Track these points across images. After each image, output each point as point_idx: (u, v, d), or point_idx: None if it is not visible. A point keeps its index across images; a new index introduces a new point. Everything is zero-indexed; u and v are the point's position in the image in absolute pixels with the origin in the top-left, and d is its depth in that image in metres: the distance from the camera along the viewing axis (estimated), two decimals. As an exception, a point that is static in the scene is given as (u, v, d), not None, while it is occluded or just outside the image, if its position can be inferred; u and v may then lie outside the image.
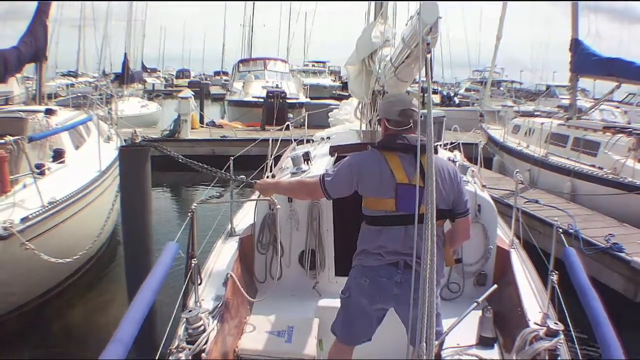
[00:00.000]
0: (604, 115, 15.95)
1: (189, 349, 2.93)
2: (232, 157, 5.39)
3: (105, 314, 6.58)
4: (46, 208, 6.04)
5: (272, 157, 6.74)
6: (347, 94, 42.44)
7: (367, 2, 6.73)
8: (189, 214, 3.66)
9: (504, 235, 4.93)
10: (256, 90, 23.00)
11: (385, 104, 3.26)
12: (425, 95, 2.38)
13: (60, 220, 6.34)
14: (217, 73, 65.98)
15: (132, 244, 5.12)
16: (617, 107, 16.53)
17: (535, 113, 17.79)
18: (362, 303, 3.09)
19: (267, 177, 5.31)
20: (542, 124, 13.29)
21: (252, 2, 49.39)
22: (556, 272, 3.21)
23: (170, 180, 14.57)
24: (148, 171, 5.00)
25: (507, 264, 4.33)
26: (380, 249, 3.00)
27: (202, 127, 19.75)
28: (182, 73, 62.29)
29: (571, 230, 8.09)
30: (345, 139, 5.53)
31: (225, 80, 56.22)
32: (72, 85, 25.49)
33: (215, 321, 3.29)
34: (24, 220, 5.66)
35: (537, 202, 10.10)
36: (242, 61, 29.12)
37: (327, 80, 50.36)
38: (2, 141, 5.89)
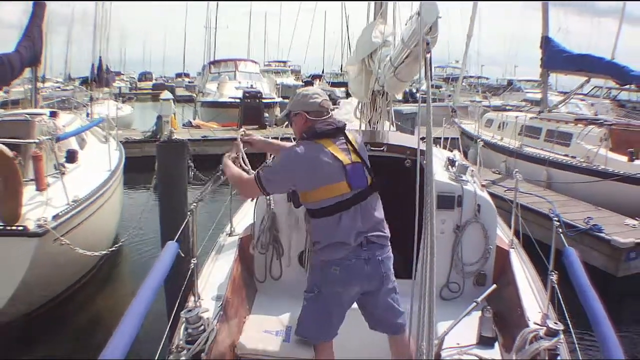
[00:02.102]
0: (569, 108, 16.78)
1: (189, 349, 2.95)
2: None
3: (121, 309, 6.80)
4: (73, 205, 6.27)
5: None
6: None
7: (362, 3, 6.84)
8: (188, 213, 3.66)
9: (503, 235, 4.93)
10: (230, 91, 23.24)
11: (301, 98, 3.25)
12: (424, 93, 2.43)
13: (84, 218, 6.57)
14: (178, 75, 65.47)
15: (169, 236, 5.36)
16: (583, 100, 17.43)
17: (507, 108, 18.60)
18: (336, 293, 3.09)
19: None
20: (517, 117, 14.02)
21: (215, 3, 49.22)
22: (556, 272, 3.22)
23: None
24: (184, 165, 5.26)
25: (506, 263, 4.30)
26: (344, 237, 3.02)
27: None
28: (144, 76, 61.50)
29: (552, 215, 8.70)
30: None
31: (190, 82, 55.87)
32: (40, 90, 24.99)
33: (215, 321, 3.28)
34: (55, 217, 5.89)
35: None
36: (212, 62, 29.21)
37: (290, 80, 50.52)
38: (37, 140, 6.08)
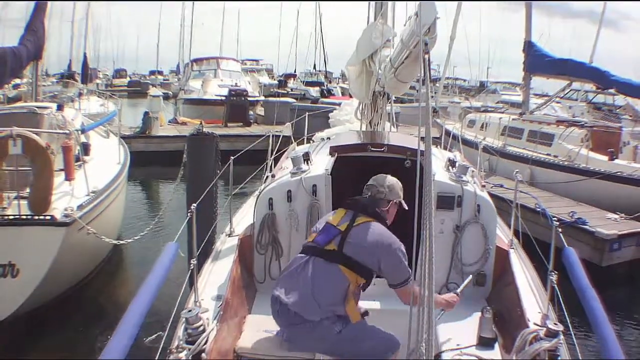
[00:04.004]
0: (545, 110, 17.39)
1: (189, 349, 2.95)
2: (232, 157, 5.41)
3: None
4: (94, 196, 6.47)
5: (272, 157, 6.81)
6: (284, 91, 42.92)
7: (361, 3, 6.86)
8: (189, 213, 3.67)
9: (503, 235, 4.89)
10: (214, 89, 23.48)
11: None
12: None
13: (103, 208, 6.78)
14: (152, 72, 65.17)
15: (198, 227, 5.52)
16: (558, 102, 18.11)
17: (489, 109, 19.24)
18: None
19: (267, 177, 5.36)
20: (500, 118, 14.58)
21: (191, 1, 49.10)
22: (556, 272, 3.20)
23: (155, 174, 15.41)
24: (213, 158, 5.46)
25: (506, 264, 4.26)
26: (285, 270, 3.27)
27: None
28: (119, 73, 60.87)
29: (538, 209, 9.16)
30: (345, 139, 5.60)
31: (165, 80, 55.57)
32: (18, 85, 24.88)
33: (215, 321, 3.30)
34: (80, 207, 6.08)
35: (502, 186, 11.27)
36: (195, 60, 29.29)
37: (265, 78, 50.65)
38: (67, 131, 6.25)
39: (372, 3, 6.59)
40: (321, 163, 4.67)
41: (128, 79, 58.21)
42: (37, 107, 8.20)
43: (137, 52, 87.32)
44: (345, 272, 3.04)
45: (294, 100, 23.58)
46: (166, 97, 33.04)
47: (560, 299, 3.21)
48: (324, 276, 3.06)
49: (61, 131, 6.37)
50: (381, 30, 5.86)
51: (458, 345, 3.47)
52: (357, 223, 3.15)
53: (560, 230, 3.45)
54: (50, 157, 5.64)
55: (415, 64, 3.95)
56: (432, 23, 2.85)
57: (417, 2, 2.86)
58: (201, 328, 3.05)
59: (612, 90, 13.88)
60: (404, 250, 3.12)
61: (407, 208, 3.32)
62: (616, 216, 9.28)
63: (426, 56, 2.64)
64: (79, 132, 6.64)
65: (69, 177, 6.20)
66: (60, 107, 8.60)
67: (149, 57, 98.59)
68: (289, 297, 3.08)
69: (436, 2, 3.02)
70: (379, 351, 3.10)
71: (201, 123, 5.42)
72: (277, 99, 24.21)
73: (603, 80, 12.69)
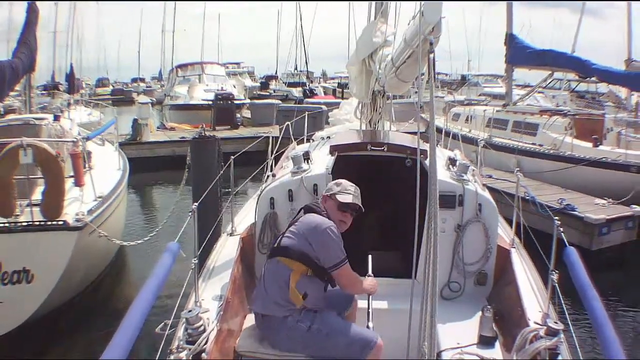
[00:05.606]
0: (528, 101, 17.73)
1: (189, 349, 2.97)
2: (233, 157, 5.47)
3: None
4: (101, 201, 6.64)
5: (273, 156, 6.86)
6: (266, 93, 42.75)
7: (342, 3, 7.09)
8: (190, 213, 3.65)
9: (504, 234, 4.89)
10: (200, 94, 23.63)
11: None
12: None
13: (110, 213, 6.95)
14: (134, 80, 65.12)
15: (203, 228, 5.67)
16: (541, 92, 18.45)
17: (473, 102, 19.57)
18: None
19: (268, 176, 5.34)
20: (485, 110, 14.90)
21: (172, 5, 49.09)
22: (557, 271, 3.19)
23: (148, 180, 15.56)
24: (215, 159, 5.65)
25: (507, 263, 4.25)
26: (253, 300, 3.41)
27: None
28: (101, 82, 60.46)
29: (528, 197, 9.44)
30: (345, 138, 5.57)
31: (147, 87, 55.53)
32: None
33: (216, 321, 3.31)
34: (90, 212, 6.27)
35: (490, 176, 11.57)
36: (179, 66, 29.38)
37: (248, 81, 50.79)
38: (74, 139, 6.41)
39: (373, 3, 6.42)
40: (321, 162, 4.69)
41: (111, 87, 57.86)
42: (34, 119, 8.31)
43: (119, 60, 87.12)
44: (285, 261, 3.18)
45: (280, 102, 23.87)
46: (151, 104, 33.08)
47: (561, 298, 3.22)
48: (270, 272, 3.24)
49: (69, 139, 6.53)
50: (382, 29, 5.80)
51: (459, 343, 3.49)
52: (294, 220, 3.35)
53: (562, 230, 3.45)
54: (61, 164, 5.80)
55: (417, 63, 3.93)
56: (437, 22, 2.85)
57: (421, 2, 2.85)
58: (201, 328, 3.10)
59: (594, 79, 14.19)
60: (336, 232, 3.19)
61: (343, 201, 3.38)
62: (604, 201, 9.61)
63: (431, 55, 2.67)
64: (85, 140, 6.80)
65: (79, 183, 6.37)
66: (57, 118, 8.74)
67: (130, 65, 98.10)
68: (256, 304, 3.29)
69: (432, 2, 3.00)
70: (356, 348, 3.13)
71: (202, 126, 5.55)
72: (273, 101, 24.52)
73: (584, 69, 13.00)
